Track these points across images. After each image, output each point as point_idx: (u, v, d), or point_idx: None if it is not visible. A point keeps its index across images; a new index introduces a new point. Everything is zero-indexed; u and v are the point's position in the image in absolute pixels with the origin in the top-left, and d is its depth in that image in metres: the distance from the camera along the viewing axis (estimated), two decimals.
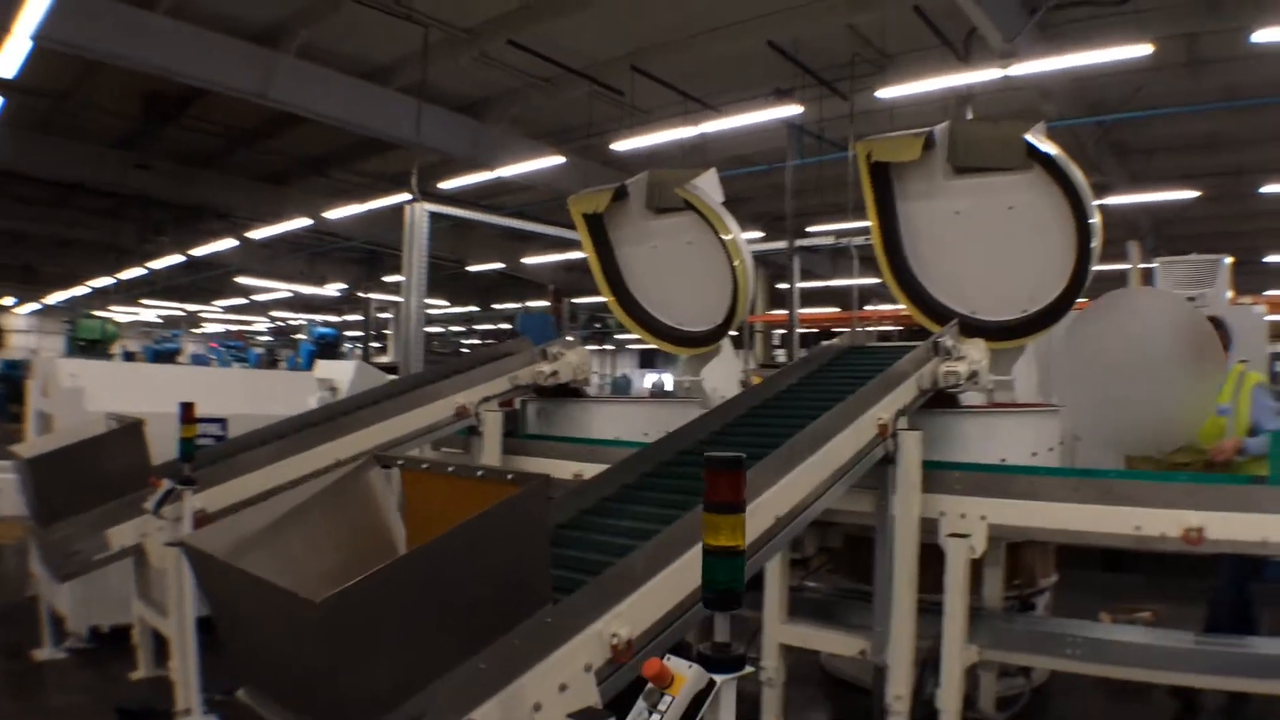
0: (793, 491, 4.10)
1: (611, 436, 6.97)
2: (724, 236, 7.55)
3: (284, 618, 2.39)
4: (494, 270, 30.32)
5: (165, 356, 31.17)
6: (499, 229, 21.94)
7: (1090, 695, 6.26)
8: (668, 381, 28.91)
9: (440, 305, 35.80)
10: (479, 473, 2.93)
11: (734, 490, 2.36)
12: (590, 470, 6.20)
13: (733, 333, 8.25)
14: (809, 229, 18.52)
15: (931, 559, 4.97)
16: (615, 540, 3.66)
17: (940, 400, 5.58)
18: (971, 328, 6.26)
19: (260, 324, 50.02)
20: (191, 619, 5.15)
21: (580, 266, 28.91)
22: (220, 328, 50.32)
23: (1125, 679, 5.05)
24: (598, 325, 34.25)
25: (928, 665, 4.93)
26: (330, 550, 2.91)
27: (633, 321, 8.47)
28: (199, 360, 30.76)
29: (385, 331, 33.86)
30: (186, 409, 5.21)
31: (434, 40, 13.83)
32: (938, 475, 5.01)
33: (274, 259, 29.36)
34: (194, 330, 49.29)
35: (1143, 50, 11.28)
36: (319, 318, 40.66)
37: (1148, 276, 10.84)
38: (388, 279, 30.66)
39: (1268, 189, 18.17)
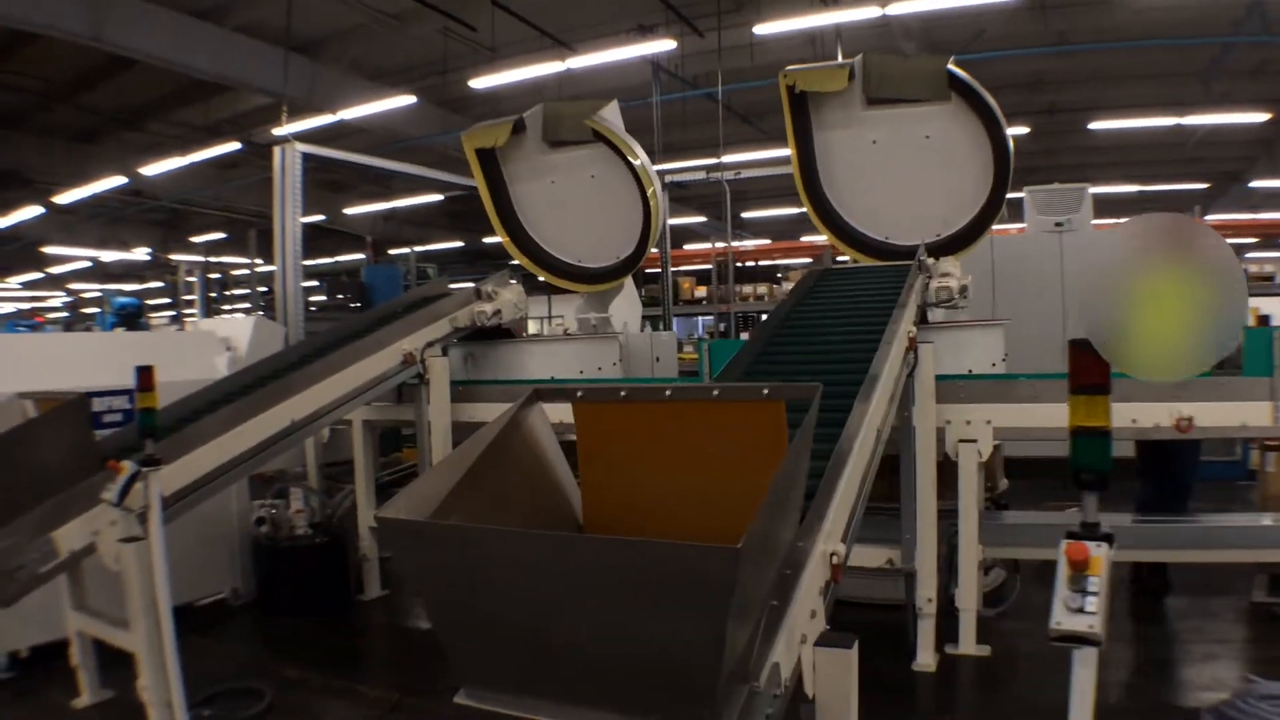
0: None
1: (546, 375, 6.80)
2: (635, 163, 7.42)
3: (628, 584, 1.90)
4: (310, 223, 28.64)
5: None
6: (319, 179, 20.85)
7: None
8: None
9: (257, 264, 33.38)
10: (715, 392, 2.51)
11: (1101, 372, 2.51)
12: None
13: None
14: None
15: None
16: None
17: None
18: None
19: (56, 298, 45.64)
20: (170, 625, 4.40)
21: (400, 216, 28.07)
22: (12, 307, 45.54)
23: None
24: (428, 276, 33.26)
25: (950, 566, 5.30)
26: (522, 504, 2.56)
27: (529, 260, 8.23)
28: None
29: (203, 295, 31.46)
30: (144, 375, 4.56)
31: None
32: (945, 386, 5.34)
33: (73, 226, 26.93)
34: None
35: None
36: (115, 288, 37.44)
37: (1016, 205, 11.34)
38: (196, 239, 28.87)
39: (1096, 125, 19.27)
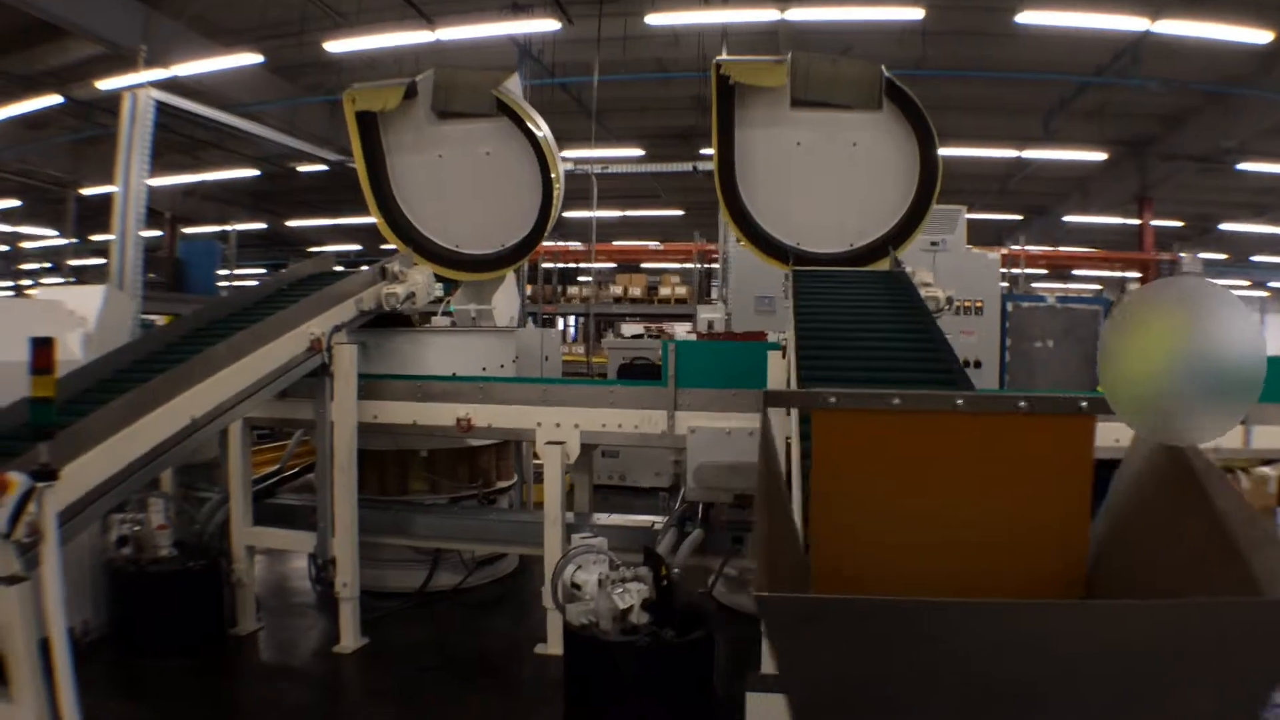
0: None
1: (447, 371, 6.14)
2: (540, 138, 6.89)
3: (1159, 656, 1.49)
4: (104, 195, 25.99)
5: None
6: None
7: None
8: None
9: (48, 235, 30.23)
10: (1022, 403, 2.11)
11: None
12: (433, 415, 5.75)
13: None
14: None
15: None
16: None
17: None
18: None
19: None
20: (73, 696, 3.35)
21: (203, 191, 26.09)
22: None
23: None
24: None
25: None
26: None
27: (403, 243, 7.34)
28: None
29: None
30: (41, 351, 3.51)
31: None
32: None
33: None
34: None
35: (914, 14, 11.93)
36: None
37: None
38: None
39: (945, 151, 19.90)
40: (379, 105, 7.07)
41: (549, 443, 5.37)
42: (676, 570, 4.70)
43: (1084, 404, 2.06)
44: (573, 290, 20.11)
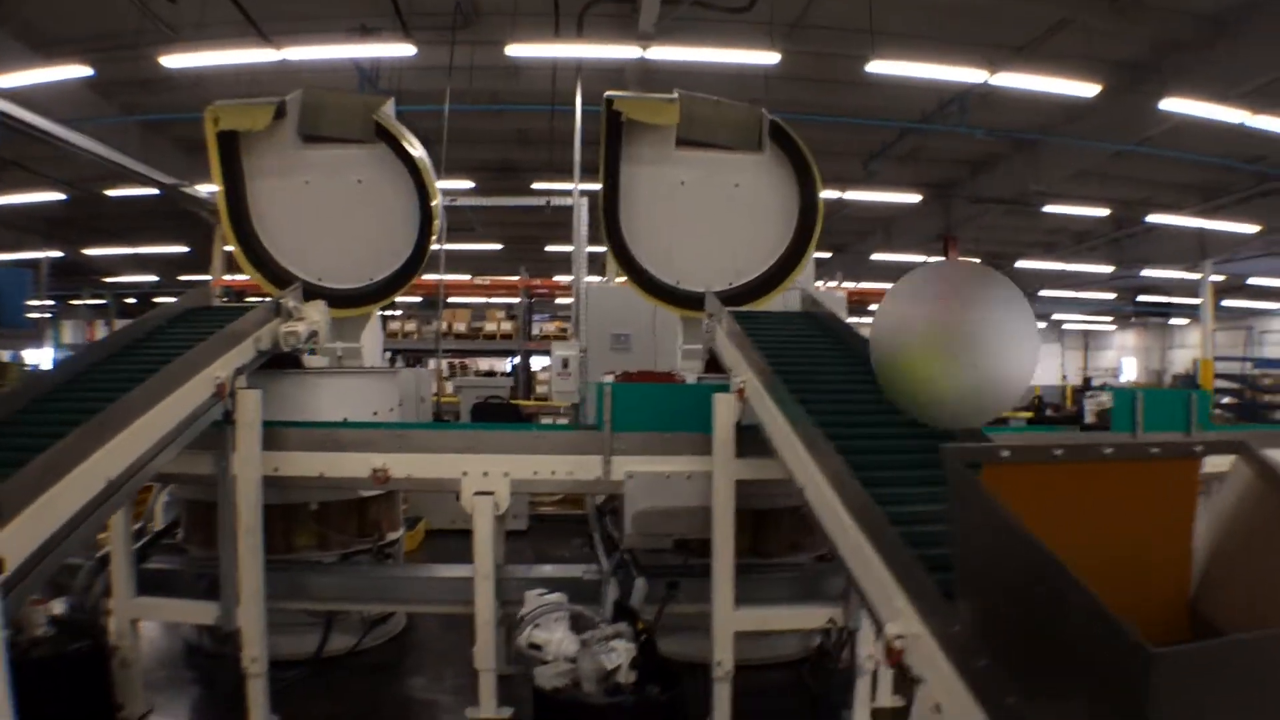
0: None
1: (338, 416, 5.83)
2: (420, 164, 6.72)
3: None
4: None
5: None
6: None
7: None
8: None
9: None
10: (1155, 449, 2.29)
11: None
12: (343, 467, 5.25)
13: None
14: None
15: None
16: None
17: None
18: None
19: None
20: None
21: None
22: None
23: None
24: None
25: None
26: None
27: (262, 276, 6.94)
28: None
29: None
30: None
31: None
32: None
33: None
34: None
35: (771, 58, 12.39)
36: None
37: None
38: None
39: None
40: (247, 125, 6.64)
41: (478, 493, 5.07)
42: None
43: (1198, 448, 2.26)
44: (393, 326, 19.59)
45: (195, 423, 4.61)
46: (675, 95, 6.44)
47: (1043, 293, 36.33)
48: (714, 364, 5.79)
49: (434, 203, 6.82)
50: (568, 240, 26.82)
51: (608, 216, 6.61)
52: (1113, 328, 49.07)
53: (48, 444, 3.51)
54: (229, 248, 7.11)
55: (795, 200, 6.56)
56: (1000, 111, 16.04)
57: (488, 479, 5.09)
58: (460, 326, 18.30)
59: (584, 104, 12.54)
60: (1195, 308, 33.00)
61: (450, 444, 5.25)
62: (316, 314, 5.91)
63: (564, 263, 30.05)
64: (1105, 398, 5.89)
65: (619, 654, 4.16)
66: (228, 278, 21.35)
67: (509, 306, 23.34)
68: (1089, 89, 13.21)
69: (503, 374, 18.04)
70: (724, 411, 4.75)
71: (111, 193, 20.48)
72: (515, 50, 12.29)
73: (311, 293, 6.74)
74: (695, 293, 6.68)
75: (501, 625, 5.14)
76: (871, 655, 4.98)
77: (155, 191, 18.77)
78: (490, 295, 24.85)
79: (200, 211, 19.07)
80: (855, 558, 3.04)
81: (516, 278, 20.51)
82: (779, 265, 6.69)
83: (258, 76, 14.29)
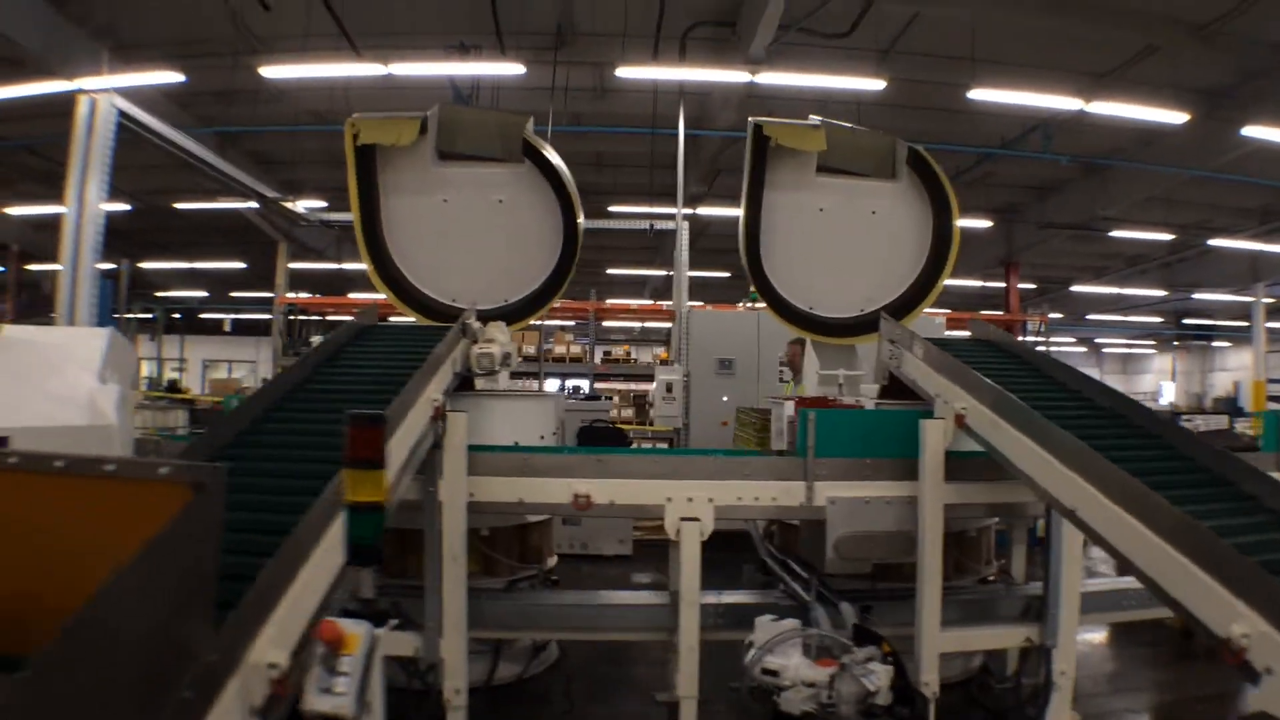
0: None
1: (510, 441, 5.88)
2: (568, 184, 6.77)
3: None
4: None
5: None
6: None
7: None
8: None
9: None
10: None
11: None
12: (543, 492, 5.21)
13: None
14: None
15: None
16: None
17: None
18: None
19: None
20: None
21: (56, 225, 24.12)
22: None
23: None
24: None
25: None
26: None
27: (394, 295, 6.95)
28: None
29: None
30: (366, 432, 2.75)
31: None
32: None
33: None
34: None
35: (875, 84, 12.57)
36: None
37: None
38: None
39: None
40: (391, 139, 6.59)
41: (684, 519, 5.05)
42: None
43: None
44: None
45: (419, 448, 4.43)
46: (818, 121, 6.55)
47: (1089, 316, 36.22)
48: (889, 389, 5.85)
49: (580, 221, 6.88)
50: (625, 264, 27.25)
51: (748, 240, 6.72)
52: (1152, 351, 48.72)
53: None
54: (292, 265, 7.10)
55: (929, 228, 6.69)
56: (1079, 137, 16.12)
57: (692, 504, 5.08)
58: (529, 349, 18.42)
59: (681, 128, 12.66)
60: (1239, 330, 32.80)
61: (650, 469, 5.25)
62: (503, 335, 5.94)
63: (624, 286, 30.33)
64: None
65: (878, 676, 4.25)
66: (290, 295, 21.62)
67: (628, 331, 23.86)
68: (1179, 116, 13.27)
69: (587, 396, 18.14)
70: (934, 437, 4.87)
71: (181, 205, 20.75)
72: (624, 72, 12.45)
73: (444, 313, 6.81)
74: (829, 318, 6.83)
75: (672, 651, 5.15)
76: (1064, 671, 5.18)
77: (224, 206, 19.06)
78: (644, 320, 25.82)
79: (269, 228, 19.29)
80: (1165, 570, 3.14)
81: (588, 301, 20.53)
82: (911, 292, 6.81)
83: (347, 93, 14.51)
